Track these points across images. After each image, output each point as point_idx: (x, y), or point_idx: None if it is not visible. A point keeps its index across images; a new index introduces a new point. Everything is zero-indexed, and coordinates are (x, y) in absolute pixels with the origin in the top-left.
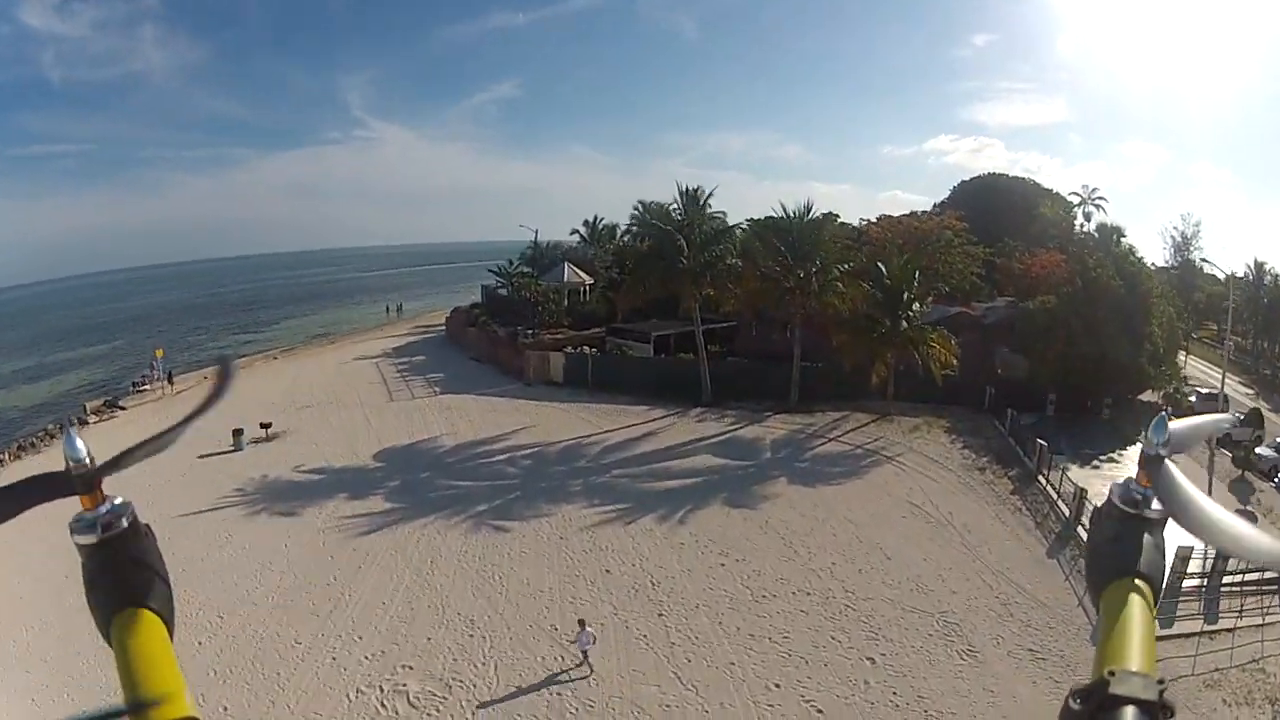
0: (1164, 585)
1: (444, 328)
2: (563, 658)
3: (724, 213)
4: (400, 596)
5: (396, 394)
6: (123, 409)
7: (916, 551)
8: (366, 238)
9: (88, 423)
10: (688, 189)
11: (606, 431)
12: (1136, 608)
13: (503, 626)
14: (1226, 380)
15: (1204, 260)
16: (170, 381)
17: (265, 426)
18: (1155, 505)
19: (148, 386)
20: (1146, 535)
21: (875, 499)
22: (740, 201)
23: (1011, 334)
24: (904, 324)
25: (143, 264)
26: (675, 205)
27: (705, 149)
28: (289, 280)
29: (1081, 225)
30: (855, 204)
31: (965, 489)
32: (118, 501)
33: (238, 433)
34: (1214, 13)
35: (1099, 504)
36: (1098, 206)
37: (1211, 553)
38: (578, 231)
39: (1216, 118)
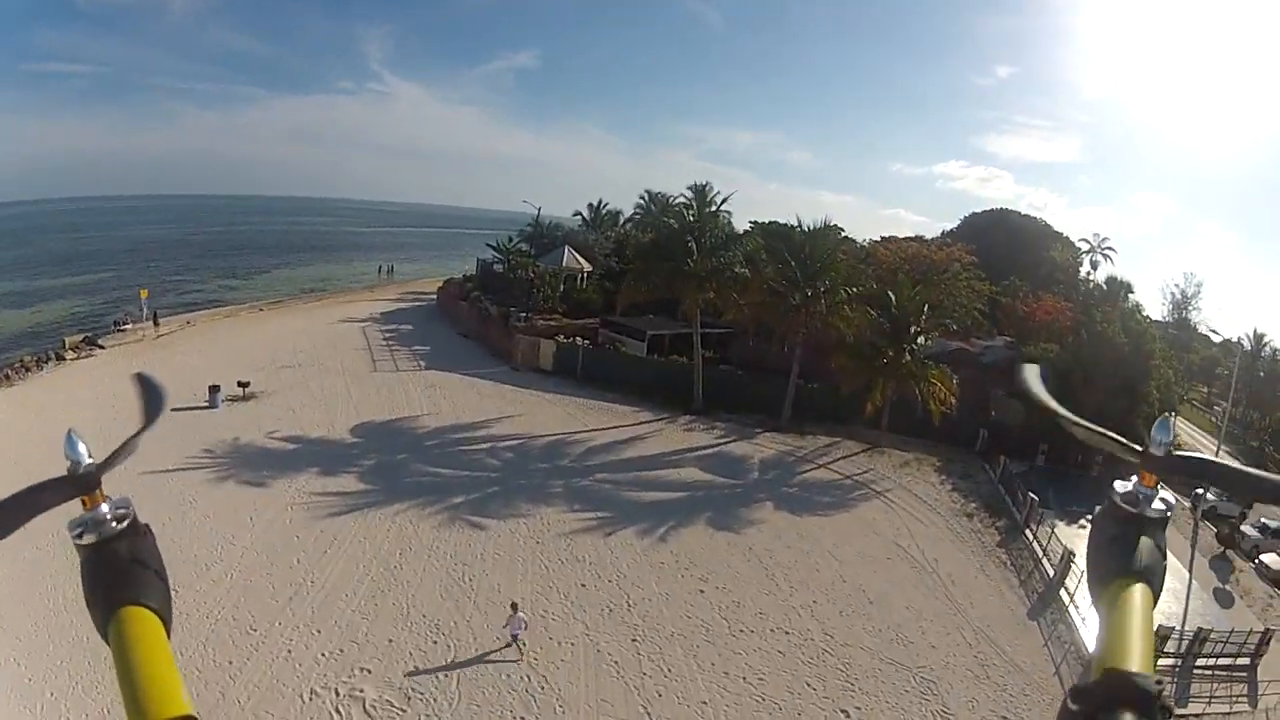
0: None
1: (435, 297)
2: (529, 677)
3: (730, 212)
4: (364, 589)
5: (380, 363)
6: (101, 348)
7: (899, 598)
8: (369, 191)
9: (65, 359)
10: (699, 185)
11: (593, 430)
12: (1136, 608)
13: (469, 636)
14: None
15: (1213, 331)
16: (156, 323)
17: (243, 385)
18: (1157, 505)
19: (129, 326)
20: (1147, 536)
21: (862, 536)
22: (745, 201)
23: (1008, 377)
24: (907, 356)
25: (144, 193)
26: (682, 199)
27: (713, 143)
28: (286, 226)
29: (1088, 273)
30: (859, 217)
31: (953, 536)
32: (117, 500)
33: (214, 389)
34: (1241, 74)
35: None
36: (1106, 256)
37: (1189, 633)
38: (580, 214)
39: (1230, 180)
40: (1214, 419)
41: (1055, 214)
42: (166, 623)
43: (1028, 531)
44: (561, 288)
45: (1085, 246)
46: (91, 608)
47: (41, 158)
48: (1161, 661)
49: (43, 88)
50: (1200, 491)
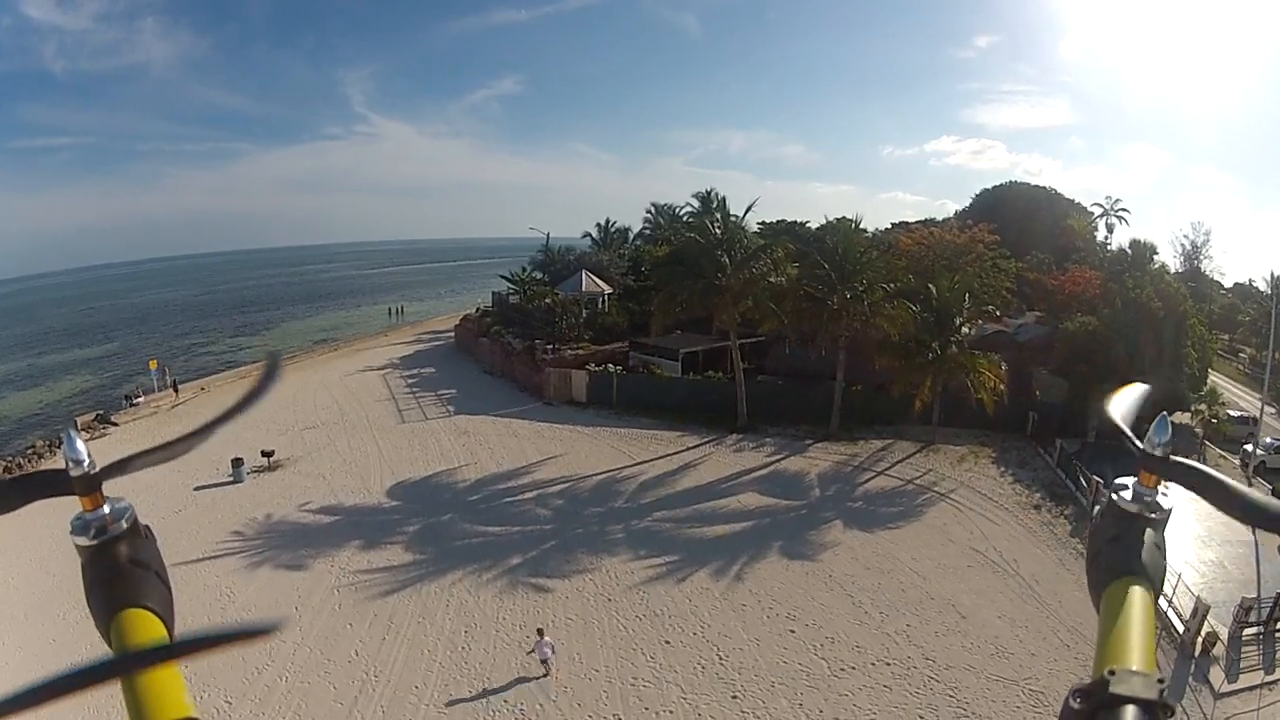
0: (1214, 632)
1: (452, 335)
2: None
3: (738, 216)
4: (435, 679)
5: (407, 412)
6: (115, 425)
7: (990, 608)
8: (367, 233)
9: None
10: (706, 193)
11: (640, 463)
12: (1137, 607)
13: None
14: (1248, 398)
15: (1222, 275)
16: (176, 390)
17: (267, 454)
18: (1157, 504)
19: (141, 399)
20: (1148, 535)
21: (938, 545)
22: (744, 200)
23: (1048, 354)
24: (953, 348)
25: (140, 258)
26: (688, 208)
27: (707, 148)
28: (289, 278)
29: (1105, 238)
30: (857, 204)
31: (1026, 532)
32: (118, 503)
33: (237, 462)
34: (1219, 17)
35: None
36: (1120, 218)
37: (1268, 598)
38: (589, 234)
39: (1220, 122)
40: (1240, 366)
41: (1051, 178)
42: (168, 625)
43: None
44: (585, 314)
45: (1098, 210)
46: (92, 609)
47: (37, 232)
48: (1246, 631)
49: (32, 163)
50: (1249, 448)
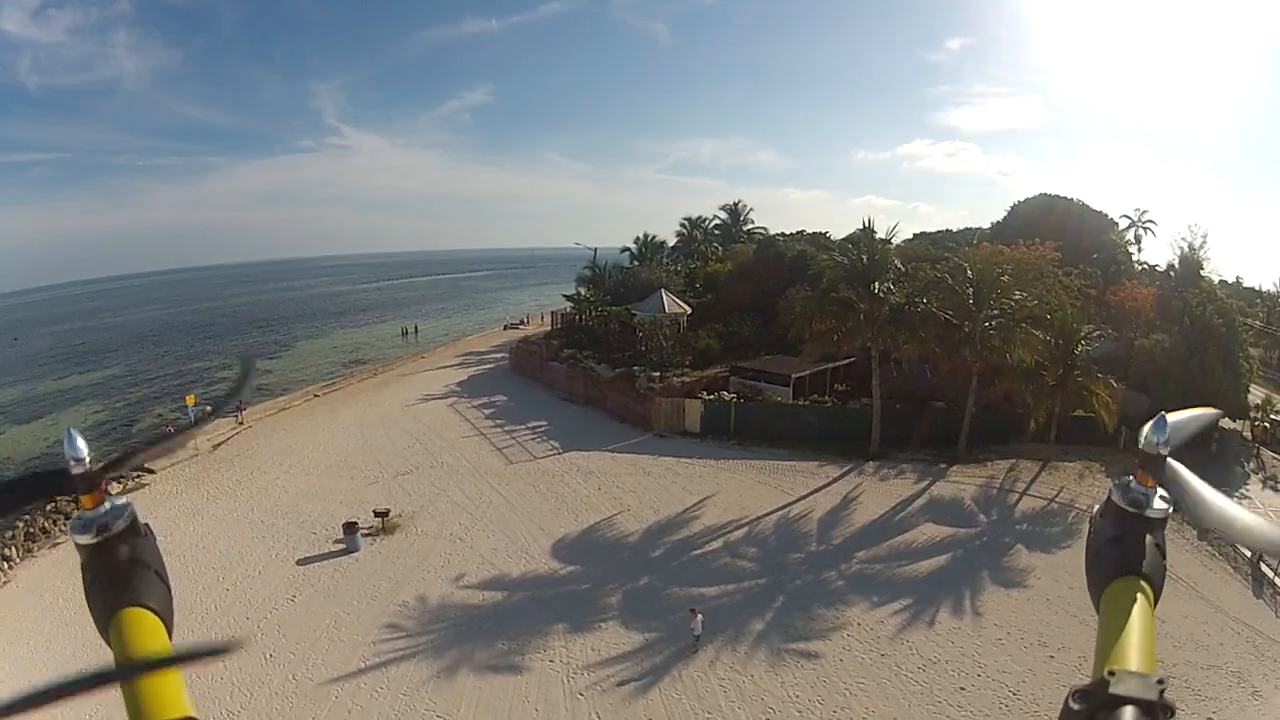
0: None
1: (502, 357)
2: None
3: (765, 228)
4: None
5: (507, 451)
6: (150, 472)
7: (1176, 610)
8: (343, 246)
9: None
10: (735, 205)
11: (801, 499)
12: (1138, 607)
13: None
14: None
15: (1241, 279)
16: (239, 417)
17: (381, 514)
18: (1156, 505)
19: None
20: (1148, 535)
21: None
22: (710, 208)
23: (1116, 369)
24: (1077, 372)
25: (117, 274)
26: (718, 220)
27: (678, 155)
28: (279, 294)
29: (1138, 250)
30: (829, 210)
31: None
32: (118, 502)
33: (350, 527)
34: (1189, 14)
35: (1099, 506)
36: (1147, 229)
37: None
38: (629, 249)
39: (1194, 117)
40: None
41: (1026, 178)
42: (167, 624)
43: None
44: (678, 334)
45: (1126, 222)
46: (92, 608)
47: (10, 248)
48: None
49: (6, 178)
50: None
